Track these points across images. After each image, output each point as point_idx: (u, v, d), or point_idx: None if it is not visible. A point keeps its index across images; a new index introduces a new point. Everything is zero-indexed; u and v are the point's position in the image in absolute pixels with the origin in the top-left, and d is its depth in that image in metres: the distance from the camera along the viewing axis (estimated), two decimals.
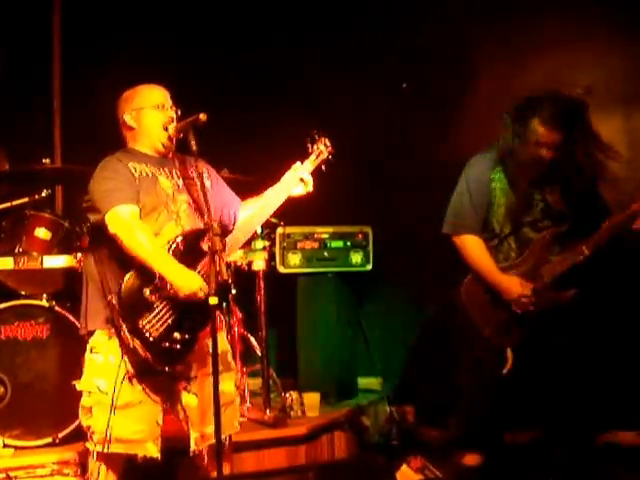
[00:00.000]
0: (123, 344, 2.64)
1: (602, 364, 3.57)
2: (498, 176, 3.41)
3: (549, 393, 3.40)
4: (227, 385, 2.81)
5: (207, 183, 2.90)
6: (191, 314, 2.68)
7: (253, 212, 2.97)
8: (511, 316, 3.34)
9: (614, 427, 3.73)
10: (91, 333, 2.77)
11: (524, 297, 3.30)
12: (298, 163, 3.03)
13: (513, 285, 3.32)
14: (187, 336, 2.69)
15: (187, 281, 2.63)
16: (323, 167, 3.06)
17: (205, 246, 2.70)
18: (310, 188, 3.02)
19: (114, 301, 2.64)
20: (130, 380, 2.68)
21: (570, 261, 3.30)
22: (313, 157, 3.04)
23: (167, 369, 2.68)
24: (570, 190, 3.39)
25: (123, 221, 2.66)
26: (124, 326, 2.62)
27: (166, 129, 2.83)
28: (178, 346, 2.67)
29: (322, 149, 3.06)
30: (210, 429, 2.75)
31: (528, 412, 3.55)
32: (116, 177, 2.74)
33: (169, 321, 2.66)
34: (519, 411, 3.55)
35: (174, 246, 2.71)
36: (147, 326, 2.63)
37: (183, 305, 2.66)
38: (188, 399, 2.79)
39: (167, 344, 2.65)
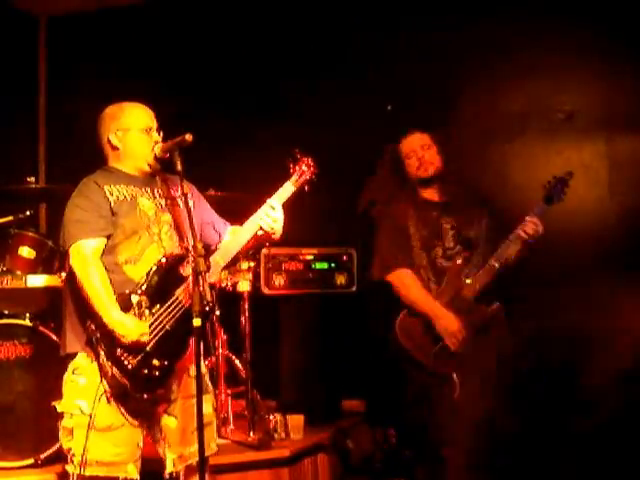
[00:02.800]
0: (102, 370, 2.62)
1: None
2: (408, 212, 3.51)
3: None
4: (205, 407, 2.79)
5: (190, 202, 2.88)
6: (170, 341, 2.67)
7: (232, 238, 2.95)
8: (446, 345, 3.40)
9: None
10: (71, 355, 2.75)
11: (458, 335, 3.37)
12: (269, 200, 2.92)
13: (450, 323, 3.37)
14: (166, 363, 2.67)
15: (126, 330, 2.60)
16: (306, 188, 2.98)
17: (184, 271, 2.69)
18: (273, 223, 2.88)
19: (93, 327, 2.62)
20: (109, 401, 2.66)
21: (485, 278, 3.41)
22: (295, 178, 2.96)
23: (146, 396, 2.66)
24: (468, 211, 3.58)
25: (82, 257, 2.65)
26: (102, 353, 2.60)
27: (152, 150, 2.81)
28: (157, 373, 2.65)
29: (304, 169, 2.98)
30: (188, 450, 2.76)
31: None
32: (88, 206, 2.70)
33: (147, 348, 2.64)
34: None
35: (154, 268, 2.69)
36: (125, 354, 2.61)
37: (161, 332, 2.66)
38: (168, 421, 2.78)
39: (146, 372, 2.63)
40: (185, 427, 2.76)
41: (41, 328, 3.37)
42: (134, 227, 2.74)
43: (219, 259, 2.84)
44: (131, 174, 2.84)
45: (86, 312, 2.66)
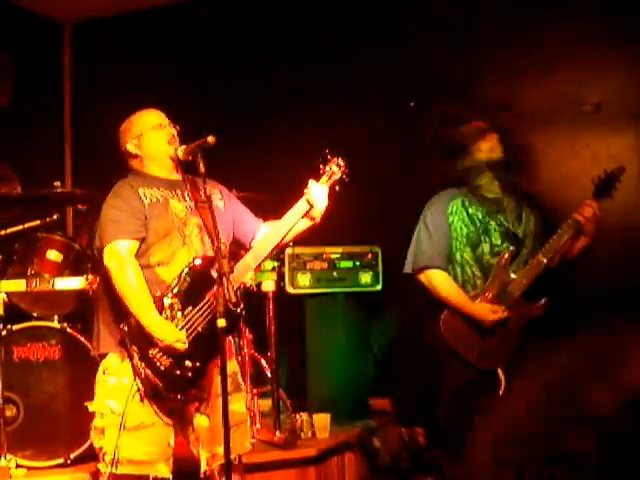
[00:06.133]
0: (135, 370, 2.66)
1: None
2: (455, 208, 3.48)
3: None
4: (237, 405, 2.83)
5: (220, 203, 2.91)
6: (202, 342, 2.68)
7: (264, 237, 2.95)
8: (494, 339, 3.38)
9: None
10: (103, 355, 2.79)
11: (499, 320, 3.37)
12: (311, 182, 2.91)
13: (485, 313, 3.38)
14: (198, 364, 2.69)
15: (164, 333, 2.63)
16: (337, 188, 2.96)
17: (214, 273, 2.69)
18: (317, 210, 2.91)
19: (126, 329, 2.66)
20: (142, 401, 2.69)
21: (532, 273, 3.39)
22: (325, 178, 2.94)
23: (179, 397, 2.69)
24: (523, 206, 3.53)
25: (118, 257, 2.68)
26: (135, 355, 2.64)
27: (170, 144, 2.85)
28: (190, 374, 2.67)
29: (335, 169, 2.95)
30: (221, 449, 2.73)
31: None
32: (124, 207, 2.74)
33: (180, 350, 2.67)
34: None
35: (186, 271, 2.71)
36: (158, 355, 2.64)
37: (193, 334, 2.68)
38: (199, 420, 2.80)
39: (179, 372, 2.66)
40: (217, 426, 2.74)
41: (69, 330, 3.42)
42: (166, 229, 2.78)
43: (250, 260, 2.85)
44: (161, 177, 2.88)
45: (120, 312, 2.69)
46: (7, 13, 4.45)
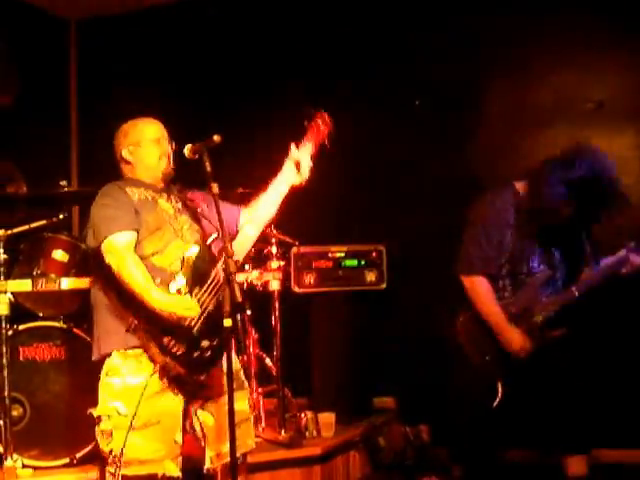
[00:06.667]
0: (155, 360, 2.66)
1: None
2: (516, 223, 3.43)
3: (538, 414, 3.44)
4: (240, 403, 2.82)
5: (203, 206, 2.94)
6: (214, 320, 2.67)
7: (258, 208, 2.95)
8: (505, 355, 3.39)
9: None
10: (104, 358, 2.79)
11: (521, 353, 3.37)
12: (293, 146, 2.93)
13: (515, 340, 3.37)
14: (215, 342, 2.69)
15: (173, 307, 2.62)
16: (326, 143, 2.93)
17: (215, 250, 2.74)
18: (304, 175, 2.91)
19: (136, 322, 2.66)
20: (169, 385, 2.69)
21: (561, 302, 3.40)
22: (312, 135, 2.94)
23: (202, 377, 2.71)
24: (573, 239, 3.49)
25: (117, 251, 2.69)
26: (152, 345, 2.65)
27: (161, 160, 2.89)
28: (208, 353, 2.69)
29: (320, 124, 2.95)
30: (225, 447, 2.76)
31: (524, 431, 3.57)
32: (115, 204, 2.77)
33: (194, 332, 2.67)
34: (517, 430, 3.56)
35: (187, 255, 2.72)
36: (173, 341, 2.65)
37: (204, 313, 2.68)
38: (205, 418, 2.82)
39: (198, 354, 2.68)
40: (222, 424, 2.78)
41: (75, 330, 3.43)
42: (157, 223, 2.81)
43: (251, 231, 2.88)
44: (148, 182, 2.93)
45: (129, 305, 2.70)
46: (12, 10, 4.45)
